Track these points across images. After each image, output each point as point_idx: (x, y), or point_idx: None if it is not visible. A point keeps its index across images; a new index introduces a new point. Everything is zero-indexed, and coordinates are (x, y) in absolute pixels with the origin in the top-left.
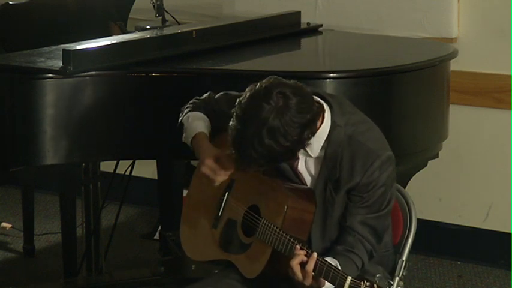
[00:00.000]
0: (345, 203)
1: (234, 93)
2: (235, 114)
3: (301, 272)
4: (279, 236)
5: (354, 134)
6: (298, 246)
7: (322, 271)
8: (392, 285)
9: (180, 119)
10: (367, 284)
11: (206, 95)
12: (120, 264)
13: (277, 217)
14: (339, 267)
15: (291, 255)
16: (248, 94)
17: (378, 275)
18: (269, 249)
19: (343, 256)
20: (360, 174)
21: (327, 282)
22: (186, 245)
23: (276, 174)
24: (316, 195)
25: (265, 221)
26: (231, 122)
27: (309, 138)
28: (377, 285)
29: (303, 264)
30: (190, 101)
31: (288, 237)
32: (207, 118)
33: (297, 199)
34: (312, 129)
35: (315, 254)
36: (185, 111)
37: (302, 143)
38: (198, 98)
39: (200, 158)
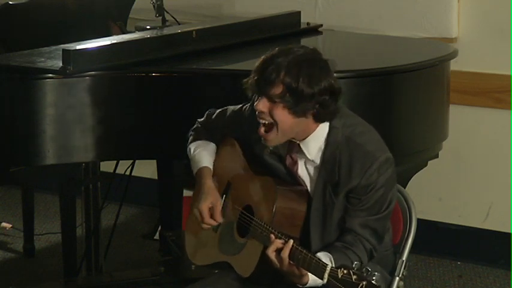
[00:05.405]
0: (344, 206)
1: (231, 107)
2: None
3: (277, 259)
4: (268, 232)
5: (352, 135)
6: (273, 236)
7: (300, 258)
8: (369, 271)
9: (187, 148)
10: (345, 271)
11: (204, 117)
12: (120, 264)
13: (267, 214)
14: (333, 262)
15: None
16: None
17: (355, 262)
18: (260, 247)
19: (339, 252)
20: (358, 176)
21: (310, 274)
22: (190, 252)
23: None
24: (315, 198)
25: (256, 220)
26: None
27: (324, 105)
28: (353, 272)
29: (279, 251)
30: (193, 127)
31: (275, 232)
32: (209, 144)
33: (287, 196)
34: (326, 101)
35: (291, 242)
36: (189, 140)
37: (318, 98)
38: (199, 120)
39: (198, 197)
